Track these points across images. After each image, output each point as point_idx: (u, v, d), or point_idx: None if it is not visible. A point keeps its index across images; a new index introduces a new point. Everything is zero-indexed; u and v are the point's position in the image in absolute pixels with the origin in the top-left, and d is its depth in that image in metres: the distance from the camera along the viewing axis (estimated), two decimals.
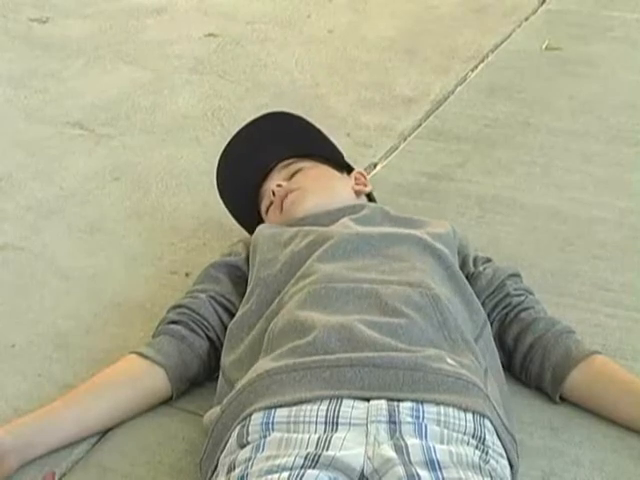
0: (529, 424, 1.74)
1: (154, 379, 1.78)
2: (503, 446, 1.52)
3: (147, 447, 1.74)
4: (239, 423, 1.50)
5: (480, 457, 1.44)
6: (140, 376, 1.78)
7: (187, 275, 2.17)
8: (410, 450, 1.40)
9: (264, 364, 1.59)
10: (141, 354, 1.78)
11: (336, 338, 1.58)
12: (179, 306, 1.87)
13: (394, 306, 1.65)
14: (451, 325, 1.66)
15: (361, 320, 1.61)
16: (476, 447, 1.46)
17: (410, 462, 1.38)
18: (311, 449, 1.40)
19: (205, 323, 1.84)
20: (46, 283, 2.18)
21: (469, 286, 1.84)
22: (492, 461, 1.46)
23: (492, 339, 1.80)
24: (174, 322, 1.84)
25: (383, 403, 1.48)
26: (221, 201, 2.24)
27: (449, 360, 1.57)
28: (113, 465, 1.70)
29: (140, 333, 1.96)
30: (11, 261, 2.26)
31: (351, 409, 1.47)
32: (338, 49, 3.35)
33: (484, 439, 1.48)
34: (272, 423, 1.47)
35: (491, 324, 1.84)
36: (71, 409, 1.72)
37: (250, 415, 1.50)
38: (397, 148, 2.73)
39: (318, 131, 2.22)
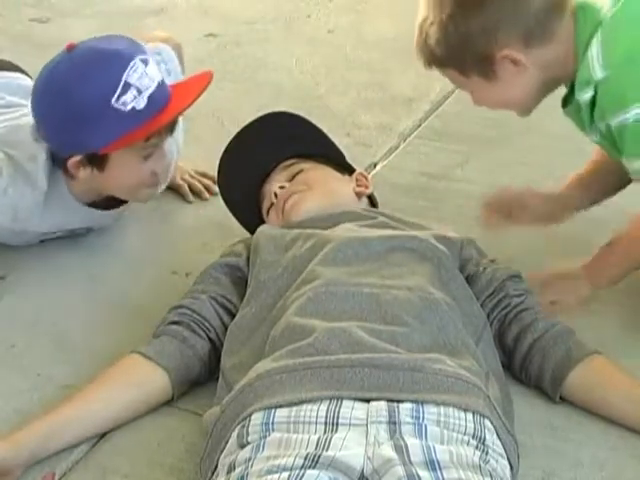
0: (529, 424, 1.74)
1: (157, 381, 1.78)
2: (503, 446, 1.52)
3: (147, 447, 1.74)
4: (239, 423, 1.51)
5: (480, 457, 1.44)
6: (144, 379, 1.78)
7: (187, 275, 2.17)
8: (410, 450, 1.40)
9: (264, 364, 1.59)
10: (144, 355, 1.78)
11: (336, 340, 1.59)
12: (180, 307, 1.87)
13: (394, 313, 1.66)
14: (450, 330, 1.66)
15: (361, 327, 1.62)
16: (476, 447, 1.46)
17: (410, 462, 1.38)
18: (311, 449, 1.40)
19: (206, 324, 1.84)
20: (46, 283, 2.19)
21: (469, 289, 1.84)
22: (492, 461, 1.46)
23: (492, 341, 1.80)
24: (175, 323, 1.84)
25: (383, 404, 1.48)
26: (222, 201, 2.24)
27: (449, 362, 1.57)
28: (113, 465, 1.70)
29: (140, 333, 1.96)
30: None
31: (351, 410, 1.47)
32: (338, 49, 3.35)
33: (484, 439, 1.48)
34: (272, 423, 1.47)
35: (490, 324, 1.84)
36: (76, 413, 1.72)
37: (250, 415, 1.50)
38: (397, 148, 2.73)
39: (319, 131, 2.22)
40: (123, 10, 3.72)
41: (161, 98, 1.96)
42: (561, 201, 2.13)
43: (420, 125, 2.82)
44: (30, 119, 2.05)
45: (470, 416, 1.49)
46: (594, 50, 1.75)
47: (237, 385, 1.59)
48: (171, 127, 2.03)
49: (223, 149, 2.20)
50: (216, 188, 2.41)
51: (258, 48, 3.37)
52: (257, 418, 1.49)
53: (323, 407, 1.48)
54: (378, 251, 1.82)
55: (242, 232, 2.19)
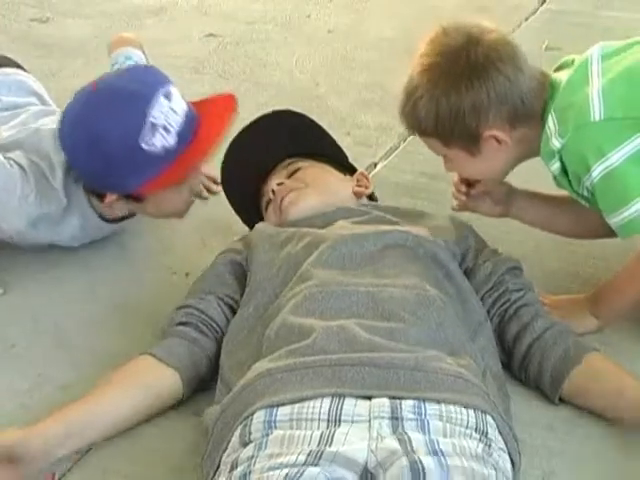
0: (529, 424, 1.74)
1: (168, 382, 1.77)
2: (505, 442, 1.52)
3: (147, 447, 1.74)
4: (241, 422, 1.50)
5: (483, 449, 1.45)
6: (156, 380, 1.77)
7: (187, 275, 2.17)
8: (414, 443, 1.40)
9: (262, 364, 1.59)
10: (154, 356, 1.78)
11: (336, 340, 1.59)
12: (187, 306, 1.87)
13: (391, 310, 1.66)
14: (448, 327, 1.67)
15: (359, 324, 1.62)
16: (479, 440, 1.46)
17: (413, 451, 1.38)
18: (314, 446, 1.40)
19: (214, 325, 1.84)
20: (46, 283, 2.18)
21: (467, 283, 1.84)
22: (495, 454, 1.47)
23: (492, 338, 1.80)
24: (183, 324, 1.84)
25: (385, 400, 1.48)
26: (224, 198, 2.24)
27: (448, 360, 1.57)
28: (113, 465, 1.70)
29: (140, 333, 1.96)
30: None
31: (354, 407, 1.47)
32: (338, 49, 3.35)
33: (487, 433, 1.48)
34: (274, 421, 1.47)
35: (490, 320, 1.84)
36: (91, 415, 1.70)
37: (252, 414, 1.50)
38: (397, 148, 2.73)
39: (322, 130, 2.22)
40: (123, 10, 3.73)
41: (190, 129, 1.95)
42: (509, 199, 2.11)
43: None
44: (49, 125, 2.06)
45: (472, 412, 1.50)
46: (551, 125, 1.81)
47: (236, 385, 1.59)
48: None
49: (227, 145, 2.20)
50: (215, 187, 2.41)
51: (258, 48, 3.37)
52: (259, 416, 1.49)
53: (325, 404, 1.48)
54: (372, 250, 1.82)
55: (242, 231, 2.19)
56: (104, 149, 1.90)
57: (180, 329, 1.83)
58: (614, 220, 1.81)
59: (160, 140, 1.90)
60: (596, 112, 1.76)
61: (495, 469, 1.43)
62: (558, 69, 1.92)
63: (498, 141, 1.85)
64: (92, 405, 1.71)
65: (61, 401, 1.75)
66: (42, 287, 2.17)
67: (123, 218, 2.17)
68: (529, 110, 1.84)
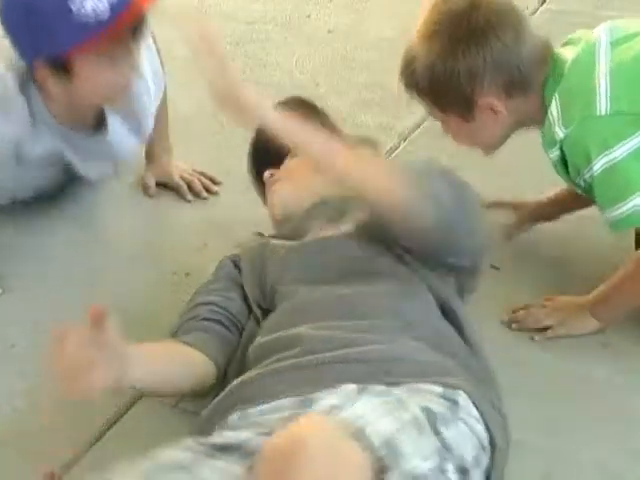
0: (528, 424, 1.74)
1: (205, 364, 1.73)
2: (481, 415, 1.51)
3: (147, 447, 1.73)
4: (219, 424, 1.54)
5: (449, 407, 1.45)
6: (194, 359, 1.73)
7: (187, 275, 2.17)
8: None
9: (247, 374, 1.62)
10: (185, 342, 1.74)
11: (320, 343, 1.60)
12: (210, 303, 1.85)
13: (365, 311, 1.67)
14: (427, 324, 1.67)
15: (338, 326, 1.63)
16: (444, 402, 1.47)
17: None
18: (269, 429, 1.41)
19: (239, 325, 1.83)
20: (46, 283, 2.19)
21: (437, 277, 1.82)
22: (463, 415, 1.47)
23: (464, 326, 1.77)
24: (208, 319, 1.82)
25: (353, 386, 1.49)
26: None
27: (429, 352, 1.59)
28: (113, 465, 1.70)
29: (140, 333, 1.94)
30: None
31: (325, 395, 1.48)
32: (338, 49, 3.35)
33: (456, 401, 1.48)
34: (247, 417, 1.51)
35: None
36: (148, 358, 1.61)
37: (227, 418, 1.54)
38: (397, 148, 2.73)
39: (326, 117, 2.22)
40: None
41: (123, 3, 1.96)
42: (532, 213, 2.17)
43: (420, 125, 2.82)
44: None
45: (440, 386, 1.50)
46: (554, 111, 1.80)
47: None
48: (135, 32, 2.04)
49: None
50: (215, 187, 2.41)
51: (258, 48, 3.37)
52: (234, 417, 1.53)
53: (298, 399, 1.50)
54: (340, 257, 1.81)
55: (242, 231, 2.19)
56: (39, 15, 1.94)
57: (206, 324, 1.81)
58: (612, 215, 1.80)
59: (90, 3, 1.92)
60: (602, 104, 1.75)
61: (462, 419, 1.44)
62: (564, 45, 1.91)
63: (493, 110, 1.84)
64: (157, 354, 1.66)
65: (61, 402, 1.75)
66: (42, 287, 2.17)
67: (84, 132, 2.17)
68: (526, 80, 1.82)
